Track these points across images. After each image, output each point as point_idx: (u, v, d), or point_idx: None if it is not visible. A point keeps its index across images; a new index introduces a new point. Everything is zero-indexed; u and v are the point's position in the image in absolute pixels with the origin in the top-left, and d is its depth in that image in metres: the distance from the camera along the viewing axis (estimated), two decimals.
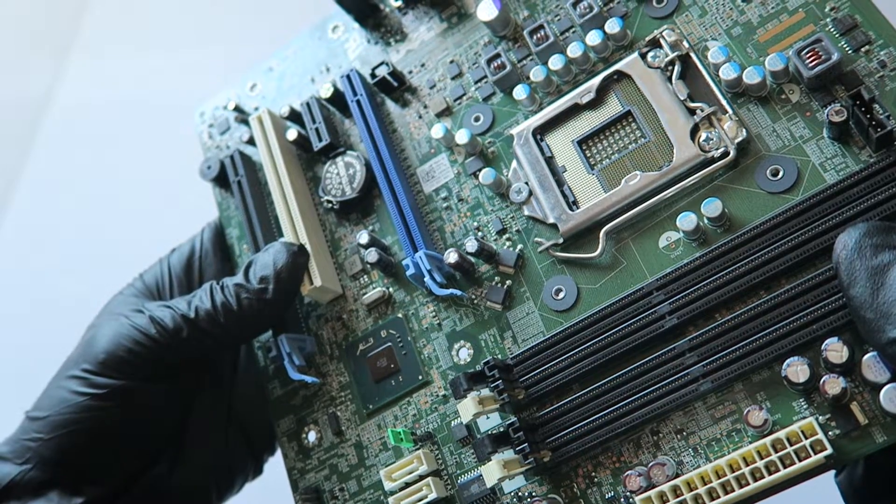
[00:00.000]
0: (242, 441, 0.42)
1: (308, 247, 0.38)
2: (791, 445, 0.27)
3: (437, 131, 0.38)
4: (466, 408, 0.32)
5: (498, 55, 0.38)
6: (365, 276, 0.39)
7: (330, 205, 0.40)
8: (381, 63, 0.41)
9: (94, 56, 0.95)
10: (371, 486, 0.36)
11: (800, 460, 0.27)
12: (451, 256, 0.35)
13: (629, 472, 0.30)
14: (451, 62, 0.40)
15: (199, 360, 0.39)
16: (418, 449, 0.35)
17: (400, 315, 0.38)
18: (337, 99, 0.42)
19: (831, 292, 0.29)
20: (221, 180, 0.45)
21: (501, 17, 0.38)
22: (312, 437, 0.38)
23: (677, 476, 0.29)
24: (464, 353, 0.36)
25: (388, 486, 0.34)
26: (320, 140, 0.41)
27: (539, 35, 0.37)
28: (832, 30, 0.32)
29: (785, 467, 0.27)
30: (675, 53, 0.34)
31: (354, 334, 0.39)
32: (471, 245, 0.35)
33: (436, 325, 0.37)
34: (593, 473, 0.32)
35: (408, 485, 0.34)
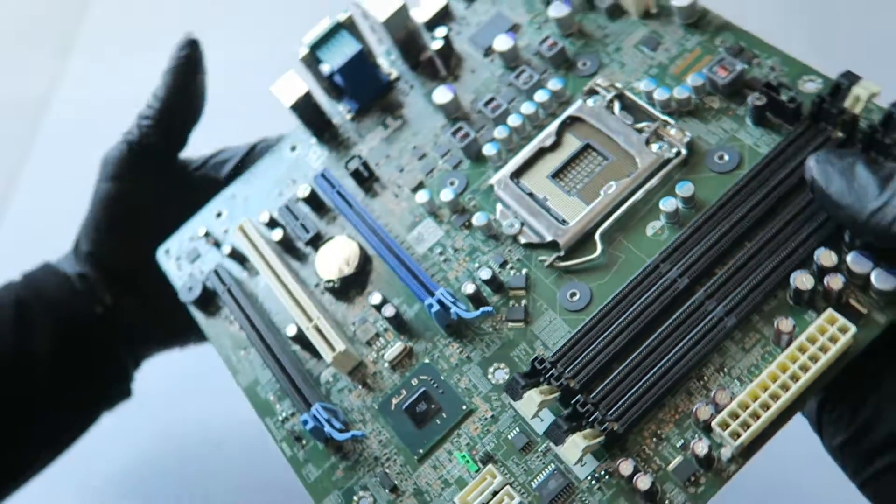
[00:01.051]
0: None
1: (321, 322, 0.40)
2: (821, 337, 0.32)
3: (422, 197, 0.42)
4: (529, 403, 0.34)
5: (461, 127, 0.44)
6: (380, 339, 0.41)
7: (331, 284, 0.42)
8: (353, 157, 0.45)
9: (94, 56, 0.93)
10: None
11: (833, 344, 0.32)
12: (468, 287, 0.39)
13: (696, 405, 0.33)
14: (414, 148, 0.46)
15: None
16: (483, 470, 0.36)
17: (427, 360, 0.39)
18: (313, 199, 0.45)
19: (804, 220, 0.35)
20: (204, 301, 0.45)
21: (454, 101, 0.45)
22: (366, 503, 0.38)
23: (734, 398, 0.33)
24: (500, 374, 0.38)
25: None
26: (307, 231, 0.44)
27: (492, 105, 0.44)
28: (725, 55, 0.41)
29: (823, 354, 0.32)
30: (613, 94, 0.42)
31: (384, 392, 0.40)
32: (484, 273, 0.39)
33: (465, 359, 0.39)
34: (658, 431, 0.34)
35: (478, 500, 0.35)
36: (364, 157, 0.45)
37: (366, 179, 0.45)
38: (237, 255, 0.46)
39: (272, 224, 0.45)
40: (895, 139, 0.34)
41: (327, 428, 0.37)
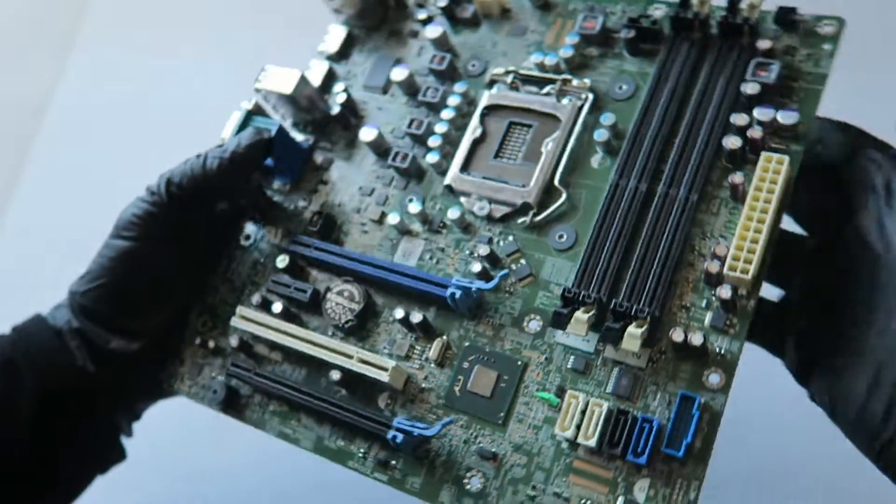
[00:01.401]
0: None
1: (362, 353, 0.43)
2: (768, 173, 0.40)
3: (393, 219, 0.47)
4: (578, 324, 0.39)
5: (397, 152, 0.49)
6: (416, 349, 0.44)
7: (350, 323, 0.45)
8: (315, 214, 0.49)
9: (94, 56, 0.91)
10: (555, 457, 0.39)
11: (778, 175, 0.40)
12: (475, 266, 0.43)
13: (703, 265, 0.39)
14: (360, 188, 0.50)
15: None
16: (564, 397, 0.40)
17: (467, 343, 0.43)
18: (294, 266, 0.48)
19: (709, 103, 0.43)
20: (231, 401, 0.47)
21: (379, 136, 0.50)
22: (475, 482, 0.41)
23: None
24: (534, 325, 0.43)
25: (565, 435, 0.39)
26: (305, 292, 0.47)
27: (415, 124, 0.49)
28: (585, 13, 0.49)
29: (776, 185, 0.39)
30: (511, 76, 0.49)
31: (443, 387, 0.43)
32: (482, 249, 0.44)
33: (498, 326, 0.43)
34: (682, 303, 0.40)
35: (579, 425, 0.39)
36: (321, 211, 0.49)
37: (331, 230, 0.49)
38: (245, 346, 0.48)
39: (265, 304, 0.48)
40: (744, 17, 0.43)
41: (417, 431, 0.40)
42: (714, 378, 0.38)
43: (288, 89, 0.50)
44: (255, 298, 0.48)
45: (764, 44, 0.43)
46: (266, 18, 0.83)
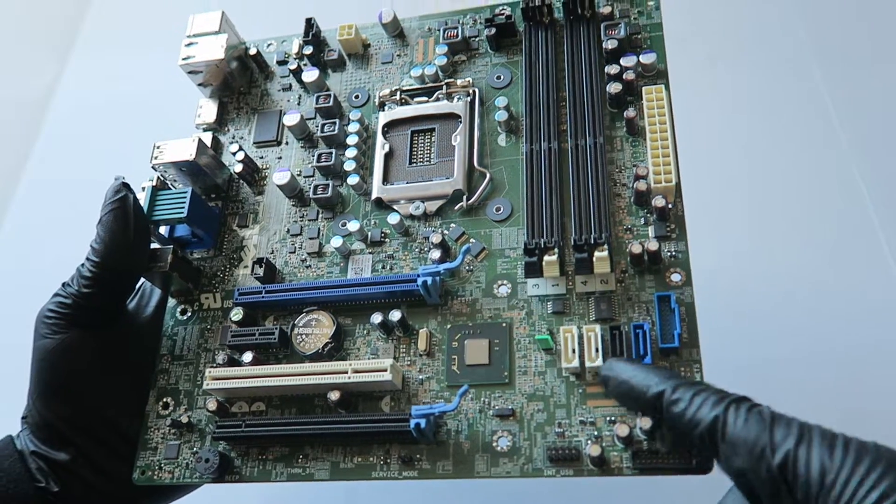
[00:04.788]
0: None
1: (356, 363, 0.43)
2: (654, 101, 0.47)
3: (335, 242, 0.48)
4: (550, 266, 0.43)
5: (317, 185, 0.50)
6: (400, 348, 0.46)
7: (329, 346, 0.46)
8: (255, 262, 0.49)
9: (94, 56, 0.93)
10: (568, 392, 0.42)
11: (663, 101, 0.46)
12: (434, 254, 0.46)
13: (631, 188, 0.45)
14: (287, 230, 0.51)
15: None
16: (558, 334, 0.43)
17: (449, 326, 0.45)
18: (249, 318, 0.48)
19: (580, 61, 0.50)
20: (224, 467, 0.45)
21: (292, 179, 0.51)
22: (503, 442, 0.42)
23: None
24: (504, 290, 0.46)
25: (571, 366, 0.41)
26: (273, 335, 0.46)
27: (323, 157, 0.51)
28: (442, 28, 0.55)
29: (665, 108, 0.46)
30: (398, 94, 0.53)
31: (441, 371, 0.44)
32: (434, 238, 0.47)
33: (472, 301, 0.46)
34: (624, 226, 0.45)
35: (574, 350, 0.42)
36: (261, 258, 0.49)
37: (275, 275, 0.49)
38: (222, 408, 0.46)
39: (232, 361, 0.47)
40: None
41: (437, 409, 0.41)
42: (676, 277, 0.43)
43: (190, 155, 0.50)
44: (220, 358, 0.47)
45: (605, 9, 0.51)
46: (266, 18, 0.78)
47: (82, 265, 0.45)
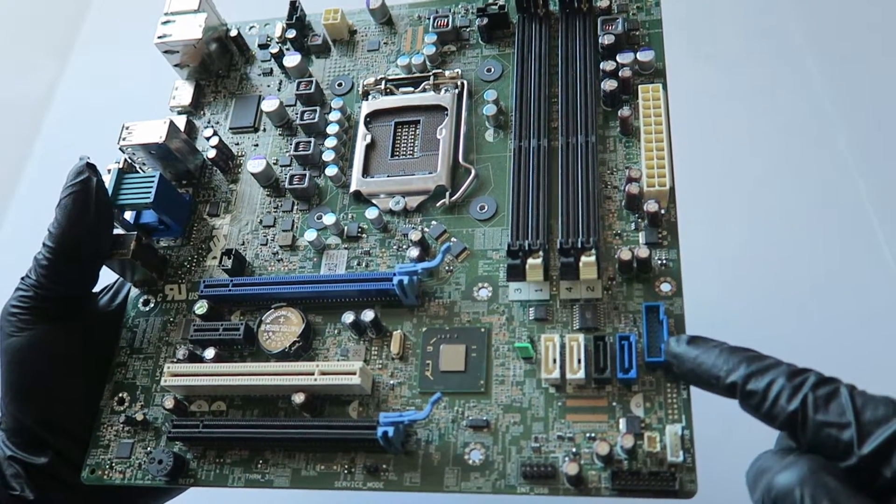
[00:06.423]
0: None
1: (323, 365, 0.41)
2: (650, 101, 0.44)
3: (309, 235, 0.46)
4: (534, 270, 0.41)
5: (293, 175, 0.48)
6: (372, 350, 0.43)
7: (297, 345, 0.43)
8: (223, 254, 0.46)
9: (94, 56, 0.93)
10: (546, 404, 0.39)
11: (659, 101, 0.44)
12: (413, 252, 0.43)
13: (623, 190, 0.42)
14: (260, 222, 0.48)
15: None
16: (539, 342, 0.40)
17: (424, 329, 0.43)
18: (214, 311, 0.45)
19: (574, 58, 0.47)
20: (178, 469, 0.42)
21: (267, 167, 0.49)
22: (476, 455, 0.39)
23: None
24: (485, 293, 0.43)
25: (551, 377, 0.39)
26: (238, 331, 0.44)
27: (301, 146, 0.49)
28: (432, 16, 0.52)
29: (661, 108, 0.44)
30: (383, 83, 0.50)
31: (414, 376, 0.42)
32: (414, 235, 0.44)
33: (450, 304, 0.43)
34: (613, 231, 0.43)
35: (555, 360, 0.39)
36: (230, 249, 0.47)
37: (244, 268, 0.47)
38: (180, 406, 0.43)
39: (193, 357, 0.44)
40: None
41: (407, 417, 0.39)
42: (666, 286, 0.41)
43: (160, 138, 0.47)
44: (181, 353, 0.44)
45: (603, 3, 0.48)
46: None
47: (39, 253, 0.43)
